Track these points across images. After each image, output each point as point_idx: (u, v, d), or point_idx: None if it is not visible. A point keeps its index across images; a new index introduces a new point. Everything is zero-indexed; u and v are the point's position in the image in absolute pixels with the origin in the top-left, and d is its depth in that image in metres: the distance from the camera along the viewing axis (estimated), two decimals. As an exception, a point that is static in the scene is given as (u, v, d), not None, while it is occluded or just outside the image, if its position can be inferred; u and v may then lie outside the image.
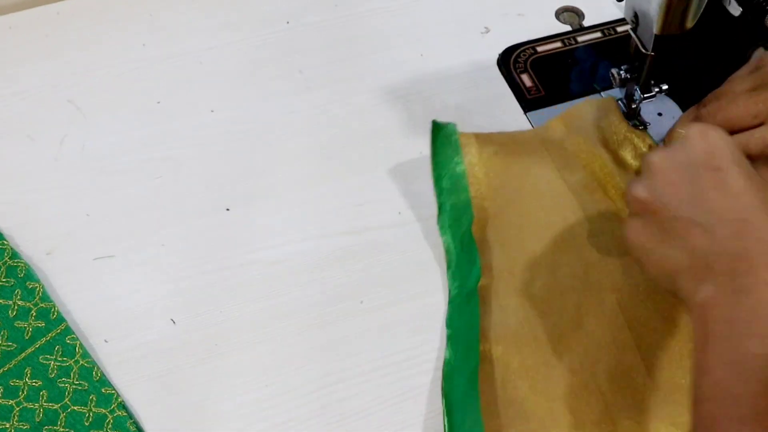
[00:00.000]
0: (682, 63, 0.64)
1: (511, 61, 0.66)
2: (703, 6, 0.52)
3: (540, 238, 0.54)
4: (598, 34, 0.68)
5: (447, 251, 0.55)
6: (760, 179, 0.41)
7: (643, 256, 0.44)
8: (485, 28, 0.69)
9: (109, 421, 0.49)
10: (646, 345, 0.50)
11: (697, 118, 0.53)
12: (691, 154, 0.42)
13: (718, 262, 0.39)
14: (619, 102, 0.62)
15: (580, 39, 0.67)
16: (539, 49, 0.67)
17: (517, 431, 0.47)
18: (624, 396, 0.48)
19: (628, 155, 0.58)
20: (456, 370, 0.49)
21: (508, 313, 0.51)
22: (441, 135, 0.58)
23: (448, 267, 0.54)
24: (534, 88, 0.64)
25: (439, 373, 0.51)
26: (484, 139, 0.59)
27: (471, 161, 0.58)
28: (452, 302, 0.53)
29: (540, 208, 0.56)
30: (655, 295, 0.51)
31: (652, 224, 0.43)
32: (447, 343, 0.51)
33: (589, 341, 0.50)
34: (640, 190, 0.44)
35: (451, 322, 0.52)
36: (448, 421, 0.48)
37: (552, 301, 0.51)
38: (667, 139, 0.57)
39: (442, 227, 0.56)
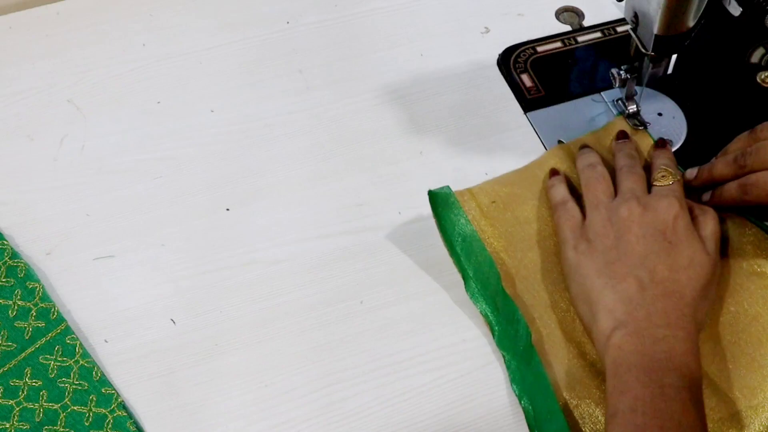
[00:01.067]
0: (682, 63, 0.64)
1: (511, 61, 0.66)
2: (703, 6, 0.52)
3: (562, 279, 0.53)
4: (598, 34, 0.68)
5: (485, 317, 0.52)
6: (705, 258, 0.49)
7: (576, 276, 0.50)
8: (485, 28, 0.69)
9: (109, 421, 0.49)
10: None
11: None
12: (655, 221, 0.50)
13: (640, 311, 0.46)
14: (619, 101, 0.62)
15: (580, 39, 0.67)
16: (539, 49, 0.67)
17: None
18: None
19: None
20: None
21: (568, 363, 0.50)
22: (439, 201, 0.56)
23: (493, 334, 0.52)
24: (534, 88, 0.64)
25: (440, 373, 0.51)
26: (477, 192, 0.57)
27: (475, 217, 0.56)
28: (510, 366, 0.51)
29: (552, 249, 0.54)
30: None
31: (598, 255, 0.50)
32: (521, 401, 0.49)
33: None
34: (607, 225, 0.51)
35: (521, 383, 0.50)
36: None
37: None
38: (720, 154, 0.56)
39: (473, 296, 0.53)
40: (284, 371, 0.51)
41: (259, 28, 0.69)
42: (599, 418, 0.48)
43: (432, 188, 0.56)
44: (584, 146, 0.58)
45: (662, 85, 0.62)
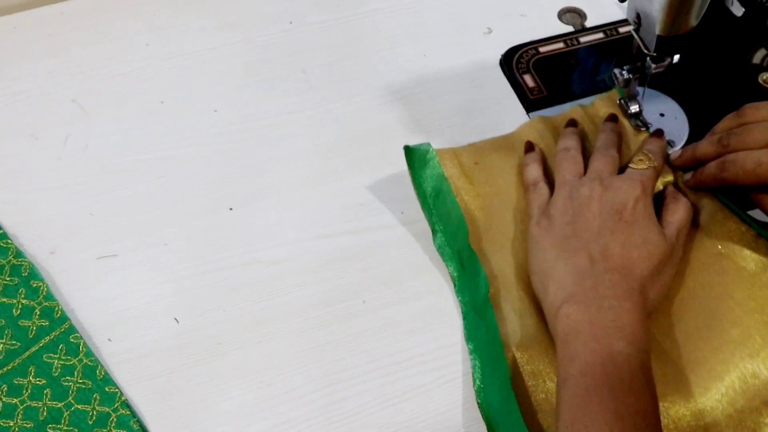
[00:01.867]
0: (685, 63, 0.64)
1: (513, 62, 0.66)
2: (706, 6, 0.52)
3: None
4: (601, 35, 0.68)
5: (449, 269, 0.54)
6: (660, 240, 0.49)
7: (534, 249, 0.52)
8: (488, 28, 0.69)
9: (113, 419, 0.49)
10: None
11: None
12: (614, 200, 0.50)
13: (587, 282, 0.47)
14: (621, 102, 0.62)
15: (582, 40, 0.67)
16: (542, 49, 0.67)
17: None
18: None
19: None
20: (488, 384, 0.49)
21: (524, 317, 0.51)
22: (416, 157, 0.58)
23: (454, 284, 0.54)
24: (536, 89, 0.64)
25: (440, 373, 0.51)
26: (462, 152, 0.59)
27: (453, 174, 0.57)
28: (467, 317, 0.52)
29: (525, 218, 0.56)
30: None
31: (556, 230, 0.51)
32: (471, 356, 0.51)
33: None
34: (567, 203, 0.52)
35: (471, 336, 0.52)
36: None
37: None
38: (707, 135, 0.57)
39: (439, 248, 0.55)
40: (284, 371, 0.51)
41: (262, 28, 0.70)
42: (551, 375, 0.49)
43: (409, 144, 0.58)
44: (569, 125, 0.59)
45: (664, 85, 0.62)
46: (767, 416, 0.47)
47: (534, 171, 0.56)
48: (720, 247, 0.53)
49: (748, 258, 0.52)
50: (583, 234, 0.49)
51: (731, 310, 0.50)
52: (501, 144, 0.60)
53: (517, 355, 0.49)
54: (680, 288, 0.52)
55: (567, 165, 0.55)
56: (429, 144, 0.58)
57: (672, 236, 0.50)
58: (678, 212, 0.52)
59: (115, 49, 0.68)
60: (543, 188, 0.55)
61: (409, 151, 0.58)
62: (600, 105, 0.61)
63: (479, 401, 0.49)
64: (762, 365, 0.48)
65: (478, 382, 0.49)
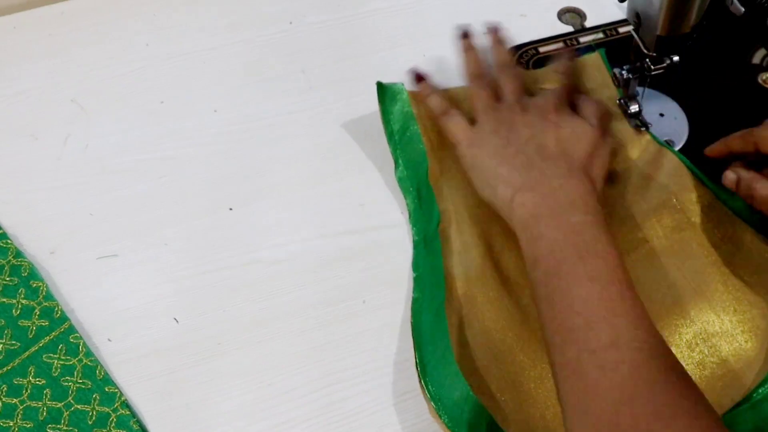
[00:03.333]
0: (685, 63, 0.64)
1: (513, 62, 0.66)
2: (706, 6, 0.52)
3: None
4: (600, 35, 0.68)
5: (407, 201, 0.57)
6: (588, 129, 0.53)
7: (474, 168, 0.54)
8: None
9: (113, 419, 0.49)
10: None
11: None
12: (537, 109, 0.54)
13: (533, 172, 0.51)
14: (621, 102, 0.62)
15: (582, 40, 0.67)
16: (541, 49, 0.67)
17: (486, 359, 0.49)
18: None
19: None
20: (424, 307, 0.52)
21: (470, 250, 0.53)
22: (388, 94, 0.61)
23: (410, 216, 0.57)
24: (536, 89, 0.64)
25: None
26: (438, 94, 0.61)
27: (422, 114, 0.60)
28: (416, 247, 0.55)
29: None
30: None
31: (490, 147, 0.53)
32: (414, 285, 0.53)
33: None
34: (494, 122, 0.55)
35: (417, 265, 0.54)
36: (419, 355, 0.49)
37: (511, 235, 0.52)
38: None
39: (400, 180, 0.58)
40: (284, 371, 0.51)
41: (262, 28, 0.70)
42: (486, 305, 0.50)
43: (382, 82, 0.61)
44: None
45: (664, 85, 0.62)
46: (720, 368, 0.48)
47: (435, 101, 0.58)
48: (675, 201, 0.54)
49: (702, 216, 0.54)
50: (518, 142, 0.53)
51: (690, 266, 0.52)
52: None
53: (458, 285, 0.51)
54: (637, 242, 0.53)
55: (483, 92, 0.57)
56: (402, 84, 0.61)
57: (594, 122, 0.54)
58: (589, 106, 0.56)
59: (115, 49, 0.68)
60: (458, 114, 0.57)
61: (381, 87, 0.61)
62: (588, 59, 0.63)
63: (412, 322, 0.51)
64: (716, 316, 0.50)
65: (416, 305, 0.52)
